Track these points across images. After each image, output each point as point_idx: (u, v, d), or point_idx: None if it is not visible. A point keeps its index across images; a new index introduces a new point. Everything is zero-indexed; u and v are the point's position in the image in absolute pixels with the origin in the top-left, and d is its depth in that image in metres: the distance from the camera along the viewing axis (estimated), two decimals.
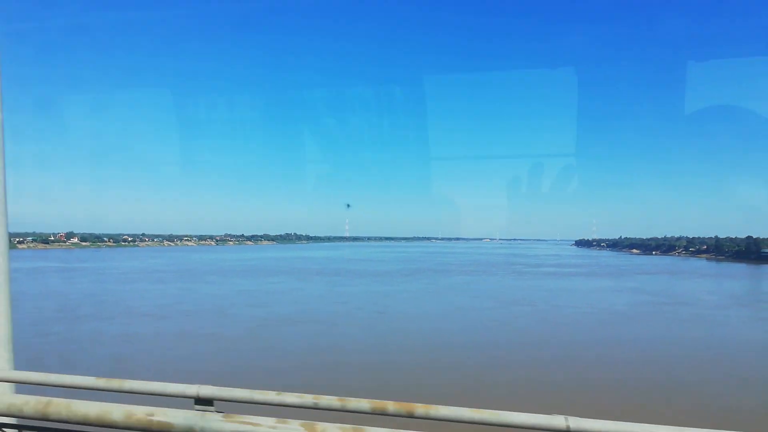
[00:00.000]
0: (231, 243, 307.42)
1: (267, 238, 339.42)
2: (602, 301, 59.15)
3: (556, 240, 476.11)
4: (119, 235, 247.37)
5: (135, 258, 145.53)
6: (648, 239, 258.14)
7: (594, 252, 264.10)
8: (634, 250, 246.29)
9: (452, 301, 56.77)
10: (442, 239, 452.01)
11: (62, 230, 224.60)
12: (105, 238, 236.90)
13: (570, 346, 35.59)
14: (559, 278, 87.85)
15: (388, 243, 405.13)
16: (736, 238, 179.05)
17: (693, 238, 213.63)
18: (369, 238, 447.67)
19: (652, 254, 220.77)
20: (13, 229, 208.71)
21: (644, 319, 47.34)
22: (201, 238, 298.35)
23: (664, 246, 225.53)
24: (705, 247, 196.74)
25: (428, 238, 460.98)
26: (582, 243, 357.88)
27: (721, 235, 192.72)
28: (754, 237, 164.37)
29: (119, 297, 57.34)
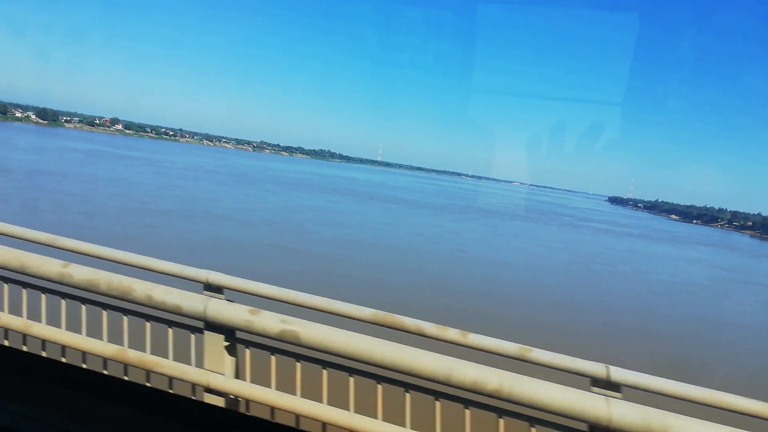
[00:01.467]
0: (267, 151, 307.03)
1: (302, 151, 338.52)
2: (680, 271, 56.93)
3: (587, 193, 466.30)
4: (159, 127, 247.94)
5: (184, 153, 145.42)
6: (687, 206, 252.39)
7: (631, 211, 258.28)
8: (673, 216, 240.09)
9: (525, 249, 54.95)
10: (472, 177, 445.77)
11: (105, 114, 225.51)
12: (147, 129, 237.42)
13: (683, 320, 33.70)
14: (617, 237, 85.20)
15: (419, 173, 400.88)
16: None
17: (735, 211, 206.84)
18: (400, 166, 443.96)
19: (692, 222, 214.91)
20: (60, 107, 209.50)
21: (735, 297, 45.36)
22: (238, 142, 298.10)
23: (706, 216, 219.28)
24: (750, 223, 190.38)
25: (459, 174, 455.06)
26: (616, 200, 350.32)
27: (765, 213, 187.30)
28: None
29: (192, 195, 56.36)
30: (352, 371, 4.50)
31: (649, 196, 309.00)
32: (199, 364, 4.85)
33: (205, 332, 4.71)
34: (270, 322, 4.53)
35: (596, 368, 4.00)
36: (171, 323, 4.88)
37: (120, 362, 4.96)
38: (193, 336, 4.88)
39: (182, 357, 4.98)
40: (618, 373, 3.94)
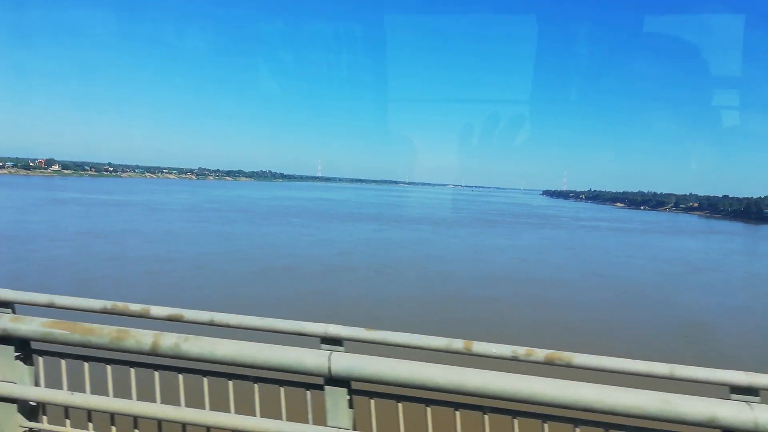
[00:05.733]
0: (211, 177, 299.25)
1: (243, 174, 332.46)
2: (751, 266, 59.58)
3: (519, 189, 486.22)
4: (96, 163, 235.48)
5: (149, 191, 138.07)
6: (621, 193, 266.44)
7: (576, 204, 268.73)
8: (618, 204, 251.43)
9: (614, 261, 55.89)
10: (408, 183, 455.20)
11: (37, 156, 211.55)
12: (86, 167, 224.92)
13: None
14: (597, 232, 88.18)
15: (360, 185, 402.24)
16: (732, 197, 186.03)
17: (681, 195, 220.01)
18: (340, 179, 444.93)
19: (640, 209, 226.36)
20: None
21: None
22: (181, 171, 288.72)
23: (651, 202, 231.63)
24: (696, 204, 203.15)
25: (395, 182, 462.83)
26: (552, 194, 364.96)
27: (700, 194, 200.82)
28: (755, 197, 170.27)
29: (263, 242, 53.50)
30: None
31: (582, 187, 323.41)
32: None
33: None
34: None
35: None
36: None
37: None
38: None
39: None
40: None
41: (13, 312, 5.06)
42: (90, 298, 4.98)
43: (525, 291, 35.85)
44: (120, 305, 4.89)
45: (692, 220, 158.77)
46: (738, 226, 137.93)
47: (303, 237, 59.10)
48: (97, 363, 5.09)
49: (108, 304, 4.89)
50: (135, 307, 4.90)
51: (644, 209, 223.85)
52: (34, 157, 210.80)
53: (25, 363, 5.08)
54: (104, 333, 4.87)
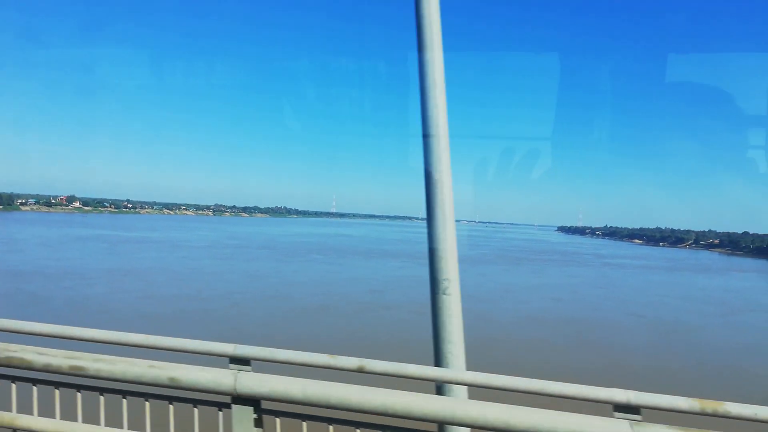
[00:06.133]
0: (227, 214, 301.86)
1: (259, 210, 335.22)
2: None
3: (534, 225, 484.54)
4: (115, 200, 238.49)
5: (169, 228, 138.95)
6: (638, 229, 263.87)
7: (593, 240, 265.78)
8: (636, 240, 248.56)
9: (661, 301, 54.78)
10: (422, 219, 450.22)
11: (57, 193, 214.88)
12: (106, 204, 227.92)
13: None
14: (623, 270, 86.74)
15: (374, 221, 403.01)
16: (752, 233, 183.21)
17: (700, 231, 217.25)
18: (354, 215, 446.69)
19: (659, 245, 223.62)
20: (7, 189, 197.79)
21: None
22: (198, 207, 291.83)
23: (671, 239, 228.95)
24: (717, 241, 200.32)
25: (409, 218, 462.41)
26: (567, 230, 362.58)
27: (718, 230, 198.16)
28: None
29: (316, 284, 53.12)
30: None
31: (597, 223, 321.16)
32: None
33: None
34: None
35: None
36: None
37: None
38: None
39: None
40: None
41: (251, 369, 4.98)
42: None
43: (568, 332, 34.94)
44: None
45: (714, 257, 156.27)
46: (762, 264, 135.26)
47: (330, 274, 58.61)
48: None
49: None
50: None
51: (663, 246, 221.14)
52: (56, 194, 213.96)
53: (257, 425, 4.95)
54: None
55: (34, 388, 5.18)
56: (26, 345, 5.16)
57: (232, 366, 4.68)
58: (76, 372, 4.93)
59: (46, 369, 4.99)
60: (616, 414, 4.05)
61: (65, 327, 5.17)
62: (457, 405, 4.32)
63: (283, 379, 4.58)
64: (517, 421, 4.08)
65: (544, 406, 4.11)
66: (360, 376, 4.53)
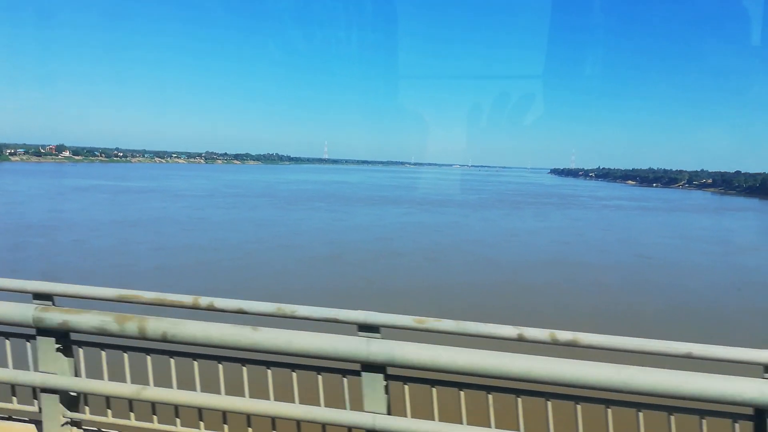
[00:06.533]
0: (219, 161, 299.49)
1: (251, 157, 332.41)
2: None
3: (526, 168, 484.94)
4: (108, 149, 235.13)
5: (162, 177, 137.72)
6: (631, 170, 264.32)
7: (587, 182, 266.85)
8: (630, 182, 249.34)
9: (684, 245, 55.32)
10: (415, 164, 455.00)
11: (47, 142, 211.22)
12: (96, 153, 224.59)
13: None
14: (623, 212, 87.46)
15: (367, 167, 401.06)
16: (744, 173, 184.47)
17: (693, 171, 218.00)
18: (347, 161, 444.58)
19: (653, 186, 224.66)
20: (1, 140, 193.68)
21: None
22: (189, 155, 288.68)
23: (664, 179, 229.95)
24: (710, 180, 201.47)
25: (402, 163, 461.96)
26: (560, 172, 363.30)
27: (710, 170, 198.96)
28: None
29: (332, 229, 53.12)
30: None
31: (590, 165, 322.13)
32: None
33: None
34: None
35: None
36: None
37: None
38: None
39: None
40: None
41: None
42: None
43: (579, 276, 35.41)
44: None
45: (708, 197, 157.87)
46: (755, 203, 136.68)
47: (335, 222, 58.68)
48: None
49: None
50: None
51: (657, 186, 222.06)
52: (45, 143, 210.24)
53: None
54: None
55: (148, 357, 5.14)
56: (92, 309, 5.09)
57: (361, 333, 4.65)
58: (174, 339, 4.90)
59: (181, 340, 4.90)
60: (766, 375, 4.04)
61: (148, 292, 5.01)
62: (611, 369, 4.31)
63: (414, 345, 4.57)
64: (677, 383, 4.14)
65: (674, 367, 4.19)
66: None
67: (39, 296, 5.01)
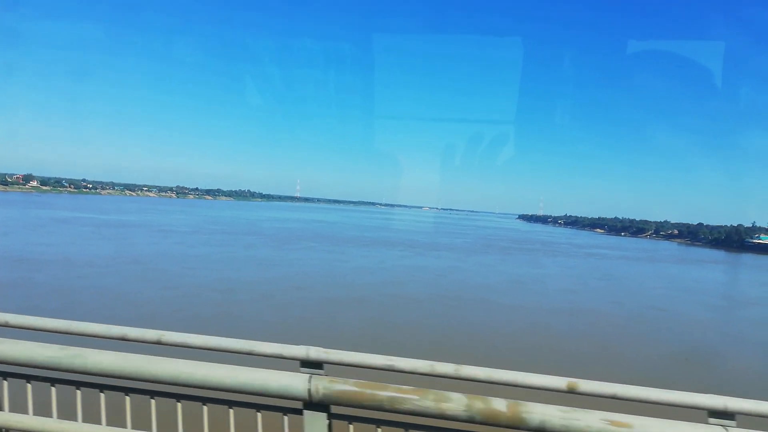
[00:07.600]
0: (191, 196, 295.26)
1: (222, 193, 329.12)
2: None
3: (494, 213, 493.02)
4: (75, 180, 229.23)
5: (137, 211, 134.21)
6: (598, 218, 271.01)
7: (557, 229, 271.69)
8: (598, 230, 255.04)
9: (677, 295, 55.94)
10: (385, 205, 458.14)
11: (12, 171, 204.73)
12: (65, 183, 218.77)
13: None
14: (609, 261, 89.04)
15: (339, 206, 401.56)
16: (707, 225, 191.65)
17: (660, 222, 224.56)
18: (318, 200, 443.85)
19: (621, 235, 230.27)
20: None
21: None
22: (161, 189, 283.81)
23: (632, 228, 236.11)
24: (677, 231, 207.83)
25: (372, 203, 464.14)
26: (529, 218, 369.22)
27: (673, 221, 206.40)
28: (735, 225, 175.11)
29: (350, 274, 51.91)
30: None
31: (556, 212, 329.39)
32: None
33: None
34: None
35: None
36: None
37: None
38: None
39: None
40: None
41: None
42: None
43: (605, 325, 35.34)
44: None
45: (676, 248, 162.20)
46: (722, 255, 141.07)
47: (336, 263, 57.72)
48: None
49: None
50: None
51: (625, 236, 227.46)
52: (11, 173, 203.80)
53: None
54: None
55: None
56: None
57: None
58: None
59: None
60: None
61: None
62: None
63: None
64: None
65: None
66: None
67: (307, 364, 4.64)
